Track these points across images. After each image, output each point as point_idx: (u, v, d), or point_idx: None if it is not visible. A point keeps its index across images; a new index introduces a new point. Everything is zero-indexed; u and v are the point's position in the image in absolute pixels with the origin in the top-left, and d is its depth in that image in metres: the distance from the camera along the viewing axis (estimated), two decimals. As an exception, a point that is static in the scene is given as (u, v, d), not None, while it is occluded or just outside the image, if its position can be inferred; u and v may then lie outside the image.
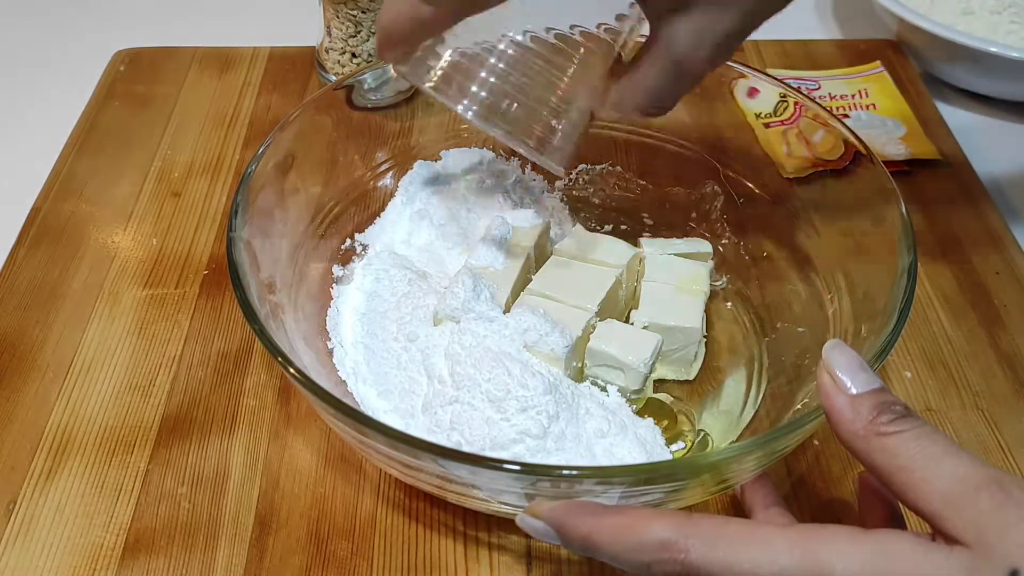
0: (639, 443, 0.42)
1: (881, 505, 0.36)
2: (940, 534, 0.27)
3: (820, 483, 0.45)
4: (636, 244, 0.52)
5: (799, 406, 0.43)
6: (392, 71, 0.58)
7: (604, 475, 0.36)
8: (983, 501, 0.27)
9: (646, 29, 0.38)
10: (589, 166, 0.60)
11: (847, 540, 0.28)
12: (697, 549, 0.28)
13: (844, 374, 0.31)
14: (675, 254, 0.51)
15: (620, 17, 0.40)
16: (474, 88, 0.39)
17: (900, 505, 0.33)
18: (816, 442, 0.47)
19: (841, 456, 0.46)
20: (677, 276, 0.49)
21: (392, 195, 0.55)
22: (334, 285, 0.51)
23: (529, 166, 0.60)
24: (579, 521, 0.31)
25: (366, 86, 0.55)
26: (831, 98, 0.69)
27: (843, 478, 0.45)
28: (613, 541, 0.30)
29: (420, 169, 0.55)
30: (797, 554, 0.28)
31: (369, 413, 0.44)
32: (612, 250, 0.50)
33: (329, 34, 0.66)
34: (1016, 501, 0.26)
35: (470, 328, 0.44)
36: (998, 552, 0.26)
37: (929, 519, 0.27)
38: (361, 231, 0.54)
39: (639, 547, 0.29)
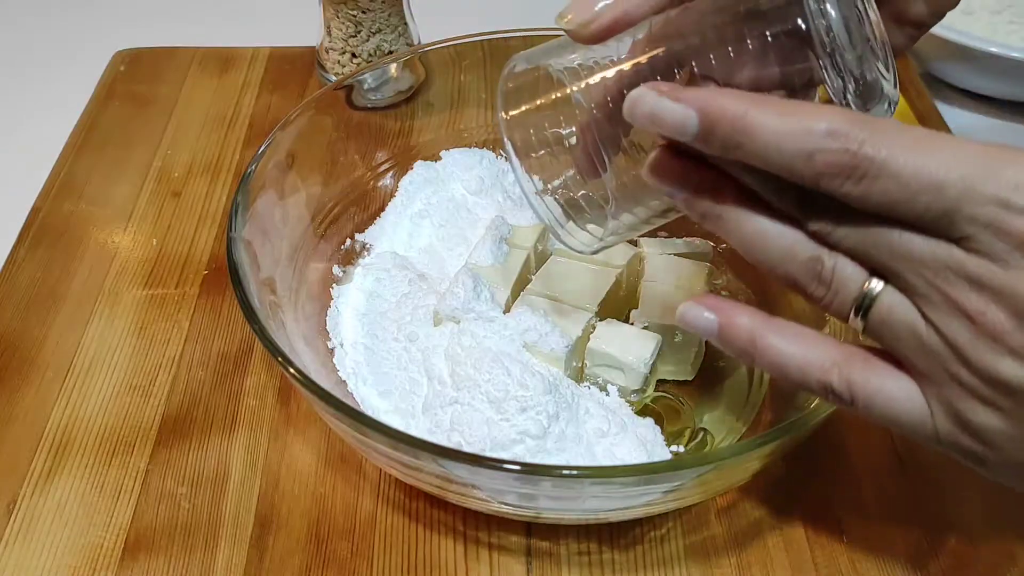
0: (639, 443, 0.42)
1: None
2: None
3: (820, 483, 0.45)
4: (636, 244, 0.52)
5: (799, 406, 0.43)
6: (392, 70, 0.58)
7: (604, 475, 0.36)
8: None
9: None
10: (589, 166, 0.60)
11: None
12: (873, 142, 0.25)
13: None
14: (675, 254, 0.51)
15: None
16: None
17: None
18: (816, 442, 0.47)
19: (841, 456, 0.46)
20: (677, 276, 0.49)
21: (392, 195, 0.55)
22: (334, 285, 0.51)
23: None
24: (732, 104, 0.27)
25: (366, 86, 0.55)
26: (831, 98, 0.69)
27: (843, 478, 0.45)
28: (774, 123, 0.26)
29: (420, 169, 0.55)
30: (984, 163, 0.25)
31: (369, 413, 0.44)
32: (612, 250, 0.50)
33: (329, 34, 0.66)
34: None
35: (470, 328, 0.44)
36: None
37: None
38: (361, 231, 0.54)
39: (805, 132, 0.26)
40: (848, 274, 0.28)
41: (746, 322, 0.30)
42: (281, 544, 0.42)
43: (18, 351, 0.51)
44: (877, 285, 0.27)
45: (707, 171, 0.29)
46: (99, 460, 0.46)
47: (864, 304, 0.28)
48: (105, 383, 0.49)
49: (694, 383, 0.49)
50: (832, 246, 0.28)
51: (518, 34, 0.57)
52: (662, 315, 0.47)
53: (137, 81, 0.71)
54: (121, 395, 0.49)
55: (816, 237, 0.28)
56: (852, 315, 0.28)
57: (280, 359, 0.38)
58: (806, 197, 0.27)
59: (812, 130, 0.26)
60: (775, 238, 0.28)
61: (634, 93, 0.28)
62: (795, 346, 0.29)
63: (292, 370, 0.38)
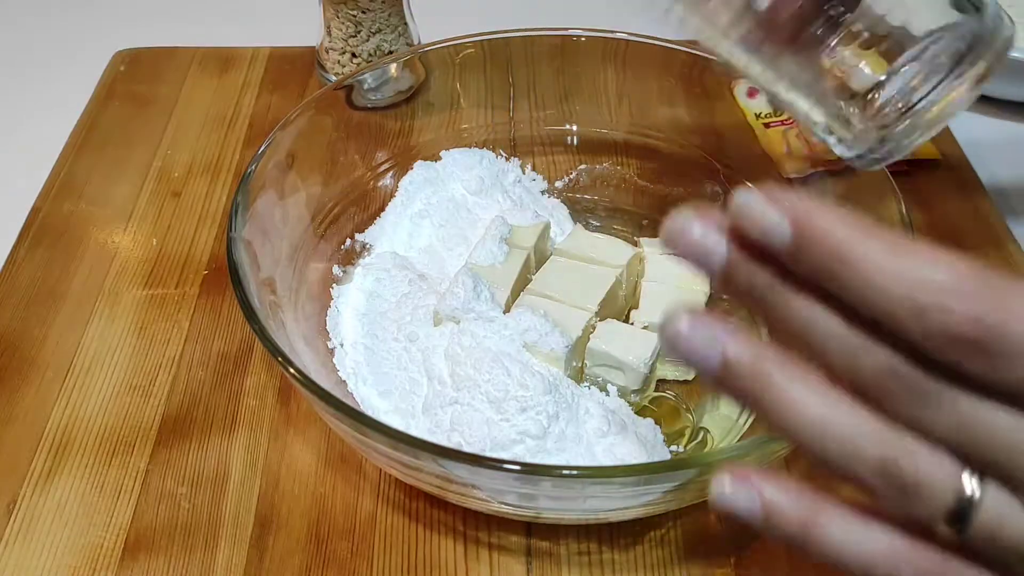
0: (639, 442, 0.42)
1: None
2: None
3: (820, 483, 0.45)
4: (636, 244, 0.52)
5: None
6: (392, 70, 0.58)
7: (604, 475, 0.36)
8: None
9: None
10: (589, 166, 0.60)
11: None
12: (1017, 316, 0.19)
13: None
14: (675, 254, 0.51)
15: None
16: None
17: None
18: (816, 442, 0.47)
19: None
20: (677, 276, 0.49)
21: (392, 195, 0.55)
22: (334, 285, 0.51)
23: (529, 166, 0.59)
24: (833, 227, 0.21)
25: (366, 86, 0.55)
26: (831, 98, 0.69)
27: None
28: (878, 261, 0.20)
29: (420, 169, 0.55)
30: None
31: (369, 413, 0.44)
32: (612, 250, 0.50)
33: (329, 34, 0.66)
34: None
35: (470, 329, 0.44)
36: None
37: None
38: (361, 231, 0.54)
39: (919, 281, 0.20)
40: (938, 475, 0.21)
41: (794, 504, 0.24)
42: (281, 544, 0.42)
43: (18, 351, 0.51)
44: (975, 486, 0.21)
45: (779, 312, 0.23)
46: (99, 460, 0.46)
47: (963, 513, 0.21)
48: (105, 383, 0.49)
49: (694, 383, 0.49)
50: (920, 430, 0.21)
51: (518, 34, 0.57)
52: (662, 315, 0.47)
53: (137, 81, 0.71)
54: (121, 395, 0.49)
55: (899, 419, 0.22)
56: (942, 523, 0.21)
57: (280, 359, 0.38)
58: (898, 368, 0.21)
59: (929, 280, 0.20)
60: (838, 421, 0.22)
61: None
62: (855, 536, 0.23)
63: (292, 370, 0.38)
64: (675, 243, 0.23)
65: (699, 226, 0.23)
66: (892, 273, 0.20)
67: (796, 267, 0.22)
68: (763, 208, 0.22)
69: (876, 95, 0.35)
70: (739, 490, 0.24)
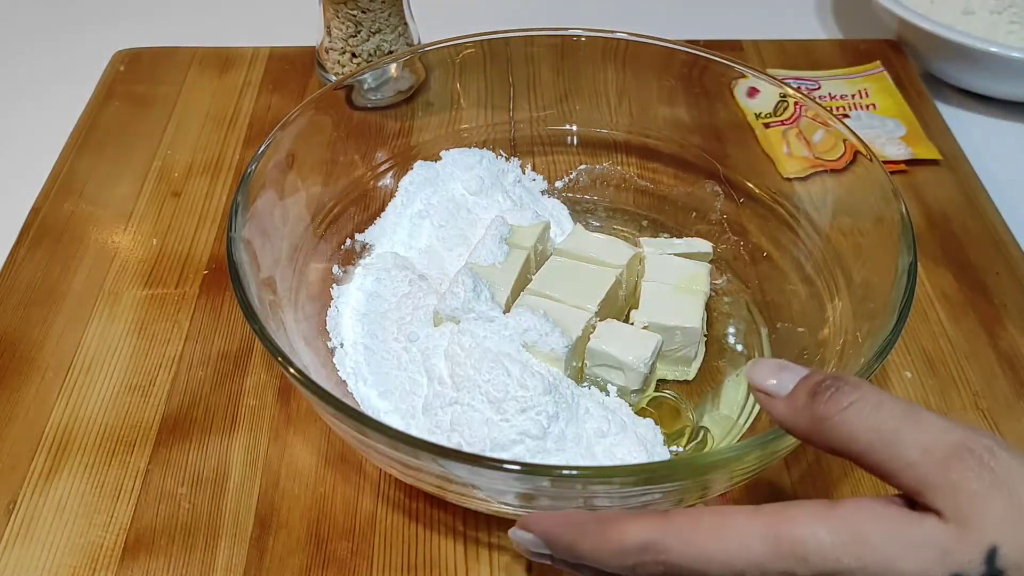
0: (639, 442, 0.42)
1: None
2: (919, 503, 0.26)
3: (820, 483, 0.45)
4: (636, 244, 0.52)
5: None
6: (392, 71, 0.58)
7: (604, 475, 0.36)
8: (953, 471, 0.26)
9: None
10: (589, 166, 0.60)
11: (815, 518, 0.27)
12: (675, 548, 0.28)
13: (770, 384, 0.30)
14: (675, 254, 0.51)
15: None
16: None
17: None
18: (816, 442, 0.47)
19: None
20: (677, 276, 0.49)
21: (392, 195, 0.55)
22: (334, 285, 0.51)
23: (529, 166, 0.60)
24: (563, 531, 0.31)
25: (366, 86, 0.55)
26: (831, 98, 0.69)
27: (843, 478, 0.45)
28: (596, 548, 0.30)
29: (420, 169, 0.55)
30: (770, 540, 0.27)
31: (370, 414, 0.44)
32: (612, 250, 0.50)
33: (329, 34, 0.66)
34: (988, 467, 0.26)
35: (470, 329, 0.44)
36: (975, 527, 0.25)
37: (908, 495, 0.27)
38: (361, 231, 0.54)
39: (621, 552, 0.29)
40: None
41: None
42: (281, 544, 0.42)
43: (18, 351, 0.51)
44: None
45: None
46: (99, 460, 0.46)
47: None
48: (105, 383, 0.49)
49: (694, 383, 0.49)
50: None
51: (518, 34, 0.57)
52: (662, 315, 0.47)
53: (137, 81, 0.71)
54: (121, 395, 0.49)
55: None
56: None
57: (280, 359, 0.38)
58: None
59: (627, 548, 0.29)
60: None
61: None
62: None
63: (292, 370, 0.37)
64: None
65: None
66: (607, 554, 0.29)
67: (560, 563, 0.32)
68: (523, 535, 0.32)
69: None
70: (524, 533, 0.32)
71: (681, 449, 0.45)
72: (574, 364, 0.46)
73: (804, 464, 0.46)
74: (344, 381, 0.46)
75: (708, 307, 0.50)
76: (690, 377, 0.49)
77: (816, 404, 0.29)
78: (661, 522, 0.29)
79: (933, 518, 0.26)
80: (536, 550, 0.32)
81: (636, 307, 0.49)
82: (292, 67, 0.72)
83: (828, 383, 0.29)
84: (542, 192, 0.59)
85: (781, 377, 0.30)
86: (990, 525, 0.25)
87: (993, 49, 0.66)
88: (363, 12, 0.64)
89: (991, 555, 0.25)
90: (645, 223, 0.57)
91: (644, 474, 0.35)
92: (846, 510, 0.27)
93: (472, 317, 0.45)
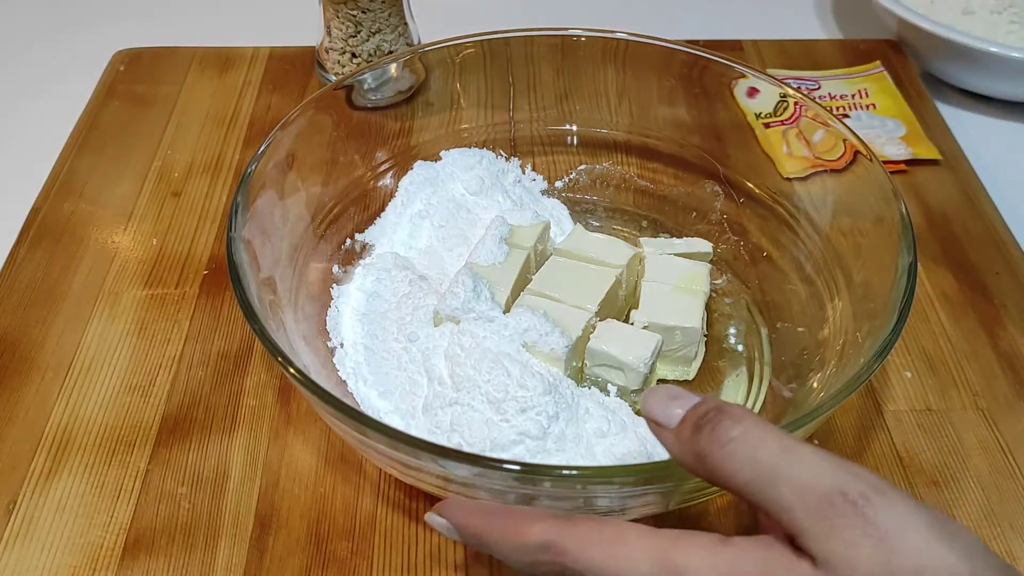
0: (639, 442, 0.42)
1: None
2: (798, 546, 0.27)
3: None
4: (636, 244, 0.52)
5: (799, 406, 0.43)
6: (392, 70, 0.58)
7: (604, 475, 0.36)
8: (826, 516, 0.26)
9: None
10: (589, 166, 0.60)
11: (704, 549, 0.28)
12: (572, 551, 0.29)
13: (659, 415, 0.30)
14: (675, 254, 0.51)
15: None
16: None
17: None
18: (815, 442, 0.47)
19: (842, 456, 0.46)
20: (677, 276, 0.49)
21: (392, 195, 0.55)
22: (334, 285, 0.51)
23: (529, 166, 0.60)
24: (473, 520, 0.32)
25: (366, 86, 0.55)
26: (831, 98, 0.69)
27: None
28: (500, 541, 0.31)
29: (420, 169, 0.55)
30: (657, 561, 0.28)
31: (370, 414, 0.44)
32: (612, 250, 0.50)
33: (329, 34, 0.66)
34: (861, 513, 0.26)
35: (469, 329, 0.44)
36: (841, 570, 0.25)
37: (794, 534, 0.27)
38: (361, 231, 0.54)
39: (522, 548, 0.31)
40: None
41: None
42: (281, 544, 0.42)
43: (18, 351, 0.51)
44: None
45: None
46: (99, 460, 0.46)
47: None
48: (105, 383, 0.49)
49: (694, 383, 0.49)
50: None
51: (518, 34, 0.57)
52: (662, 315, 0.47)
53: (137, 81, 0.71)
54: (121, 395, 0.49)
55: None
56: None
57: (280, 359, 0.38)
58: None
59: (528, 544, 0.30)
60: None
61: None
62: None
63: (292, 370, 0.37)
64: None
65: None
66: (509, 549, 0.31)
67: (467, 545, 0.34)
68: (438, 520, 0.33)
69: None
70: (438, 518, 0.33)
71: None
72: (574, 364, 0.46)
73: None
74: (344, 381, 0.46)
75: (708, 307, 0.50)
76: (690, 377, 0.49)
77: (699, 438, 0.29)
78: (564, 525, 0.30)
79: (807, 563, 0.26)
80: (450, 536, 0.33)
81: (636, 307, 0.49)
82: (292, 67, 0.72)
83: (711, 415, 0.29)
84: (542, 192, 0.59)
85: (670, 407, 0.30)
86: (856, 570, 0.25)
87: (993, 49, 0.66)
88: (363, 12, 0.64)
89: None
90: (645, 223, 0.57)
91: (644, 474, 0.35)
92: (735, 548, 0.28)
93: (472, 317, 0.45)
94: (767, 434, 0.28)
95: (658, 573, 0.28)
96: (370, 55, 0.65)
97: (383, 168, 0.56)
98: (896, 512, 0.26)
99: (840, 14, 0.83)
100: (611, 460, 0.41)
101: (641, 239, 0.52)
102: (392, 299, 0.49)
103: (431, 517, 0.34)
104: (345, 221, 0.53)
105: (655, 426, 0.31)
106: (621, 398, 0.45)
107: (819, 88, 0.70)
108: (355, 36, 0.65)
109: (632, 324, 0.48)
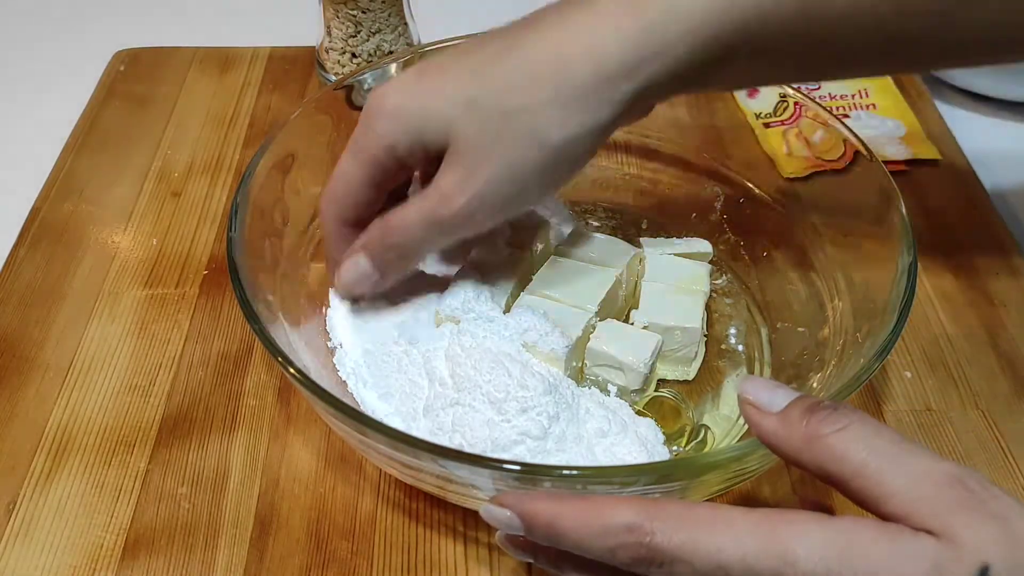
0: (640, 442, 0.42)
1: None
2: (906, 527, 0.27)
3: (820, 486, 0.45)
4: (636, 244, 0.52)
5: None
6: (392, 70, 0.58)
7: (604, 475, 0.36)
8: (946, 498, 0.26)
9: None
10: (589, 166, 0.60)
11: (812, 522, 0.27)
12: (662, 532, 0.28)
13: (762, 398, 0.31)
14: (675, 254, 0.51)
15: None
16: None
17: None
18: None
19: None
20: (677, 276, 0.49)
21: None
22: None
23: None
24: (543, 507, 0.30)
25: (366, 86, 0.55)
26: (831, 98, 0.69)
27: (843, 478, 0.46)
28: (578, 526, 0.29)
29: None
30: (761, 536, 0.27)
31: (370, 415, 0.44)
32: (612, 250, 0.50)
33: (329, 34, 0.66)
34: (980, 498, 0.26)
35: (469, 329, 0.44)
36: (968, 545, 0.25)
37: (893, 520, 0.27)
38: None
39: (604, 531, 0.29)
40: None
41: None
42: (281, 544, 0.42)
43: (18, 351, 0.51)
44: None
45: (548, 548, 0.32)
46: (99, 460, 0.46)
47: None
48: (105, 383, 0.50)
49: (694, 383, 0.49)
50: None
51: (518, 34, 0.57)
52: (662, 315, 0.47)
53: (137, 81, 0.71)
54: (121, 395, 0.49)
55: None
56: None
57: (280, 359, 0.38)
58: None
59: (610, 528, 0.29)
60: None
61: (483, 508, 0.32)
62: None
63: (292, 370, 0.37)
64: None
65: (499, 536, 0.33)
66: (588, 533, 0.29)
67: (533, 538, 0.31)
68: (498, 511, 0.31)
69: None
70: (499, 510, 0.31)
71: (681, 449, 0.45)
72: (574, 364, 0.46)
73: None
74: (344, 381, 0.46)
75: (708, 307, 0.50)
76: (690, 377, 0.49)
77: (812, 421, 0.29)
78: (649, 506, 0.29)
79: (926, 535, 0.26)
80: (510, 531, 0.31)
81: (636, 307, 0.49)
82: (292, 67, 0.72)
83: (826, 405, 0.29)
84: (542, 192, 0.58)
85: (775, 394, 0.31)
86: (983, 546, 0.25)
87: (993, 49, 0.66)
88: (363, 12, 0.64)
89: (983, 572, 0.25)
90: (645, 223, 0.57)
91: (644, 474, 0.35)
92: (843, 522, 0.27)
93: (472, 317, 0.45)
94: (882, 426, 0.28)
95: (764, 548, 0.27)
96: (370, 55, 0.65)
97: (383, 168, 0.56)
98: (1009, 501, 0.27)
99: (840, 14, 0.83)
100: (612, 460, 0.41)
101: (641, 239, 0.52)
102: (390, 301, 0.48)
103: (489, 509, 0.31)
104: (345, 221, 0.53)
105: (752, 409, 0.31)
106: (621, 398, 0.45)
107: (819, 88, 0.70)
108: (355, 36, 0.65)
109: (632, 324, 0.48)
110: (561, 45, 0.37)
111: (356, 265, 0.43)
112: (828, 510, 0.33)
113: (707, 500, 0.43)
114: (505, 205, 0.40)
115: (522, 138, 0.38)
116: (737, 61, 0.37)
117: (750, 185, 0.55)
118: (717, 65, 0.37)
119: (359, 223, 0.43)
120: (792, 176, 0.54)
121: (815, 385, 0.44)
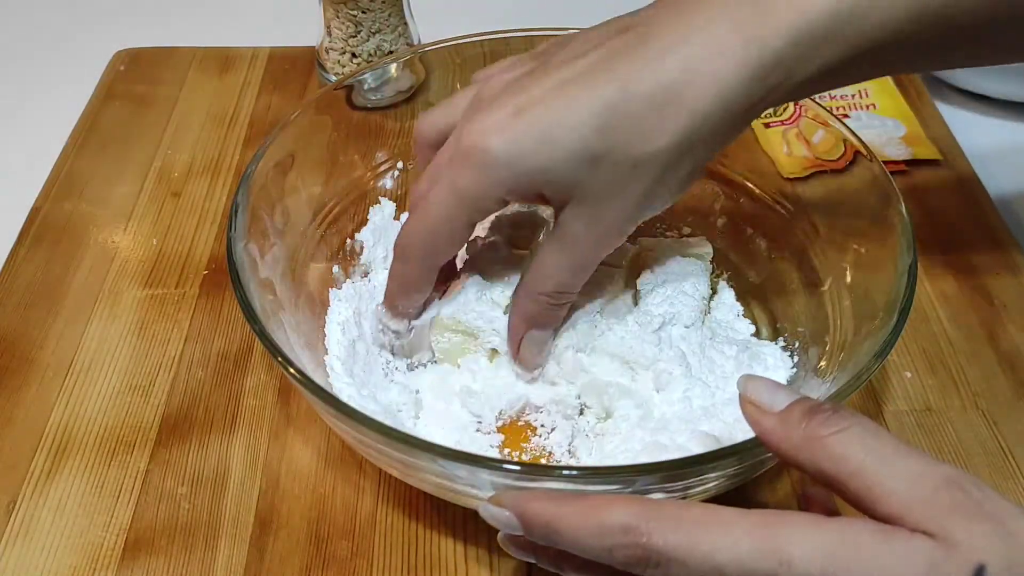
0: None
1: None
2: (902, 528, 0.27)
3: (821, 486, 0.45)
4: (636, 244, 0.52)
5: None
6: (392, 70, 0.58)
7: (604, 475, 0.36)
8: (942, 500, 0.26)
9: None
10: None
11: (808, 524, 0.27)
12: (658, 533, 0.28)
13: (763, 397, 0.31)
14: (675, 254, 0.51)
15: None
16: None
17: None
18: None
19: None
20: (677, 276, 0.49)
21: (392, 196, 0.55)
22: (331, 289, 0.50)
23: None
24: (541, 507, 0.30)
25: (366, 86, 0.55)
26: (831, 98, 0.69)
27: (843, 478, 0.45)
28: (575, 526, 0.30)
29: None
30: (757, 537, 0.27)
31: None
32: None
33: (329, 34, 0.66)
34: (975, 500, 0.26)
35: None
36: (964, 546, 0.26)
37: (888, 521, 0.27)
38: (361, 231, 0.54)
39: (600, 532, 0.29)
40: None
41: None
42: (281, 544, 0.42)
43: (18, 351, 0.51)
44: None
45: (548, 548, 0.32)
46: (99, 460, 0.46)
47: None
48: (105, 383, 0.49)
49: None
50: None
51: (518, 34, 0.57)
52: (662, 315, 0.47)
53: (137, 81, 0.71)
54: (121, 395, 0.49)
55: None
56: None
57: (280, 359, 0.38)
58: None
59: (606, 528, 0.29)
60: None
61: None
62: None
63: (292, 370, 0.37)
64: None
65: (501, 536, 0.33)
66: (585, 533, 0.29)
67: (531, 537, 0.31)
68: (495, 511, 0.32)
69: None
70: (497, 509, 0.32)
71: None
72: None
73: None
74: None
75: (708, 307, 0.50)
76: (690, 377, 0.49)
77: (811, 423, 0.29)
78: (646, 506, 0.29)
79: (922, 536, 0.26)
80: (509, 530, 0.32)
81: (636, 306, 0.48)
82: (292, 67, 0.72)
83: (826, 407, 0.29)
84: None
85: (776, 395, 0.31)
86: (978, 546, 0.26)
87: (993, 49, 0.66)
88: (363, 12, 0.64)
89: (979, 573, 0.25)
90: (645, 223, 0.57)
91: (644, 474, 0.35)
92: (838, 523, 0.27)
93: (472, 317, 0.45)
94: (881, 430, 0.29)
95: (760, 549, 0.27)
96: (370, 55, 0.65)
97: (383, 168, 0.56)
98: (1004, 503, 0.27)
99: (840, 14, 0.83)
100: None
101: (641, 239, 0.52)
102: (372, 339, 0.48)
103: (487, 508, 0.32)
104: (345, 221, 0.53)
105: (752, 407, 0.31)
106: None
107: (819, 88, 0.70)
108: (355, 36, 0.65)
109: (631, 325, 0.47)
110: (687, 73, 0.35)
111: (533, 340, 0.43)
112: (831, 511, 0.33)
113: (706, 500, 0.43)
114: (624, 235, 0.41)
115: (650, 182, 0.38)
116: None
117: (750, 185, 0.55)
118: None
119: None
120: (792, 176, 0.54)
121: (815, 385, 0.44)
